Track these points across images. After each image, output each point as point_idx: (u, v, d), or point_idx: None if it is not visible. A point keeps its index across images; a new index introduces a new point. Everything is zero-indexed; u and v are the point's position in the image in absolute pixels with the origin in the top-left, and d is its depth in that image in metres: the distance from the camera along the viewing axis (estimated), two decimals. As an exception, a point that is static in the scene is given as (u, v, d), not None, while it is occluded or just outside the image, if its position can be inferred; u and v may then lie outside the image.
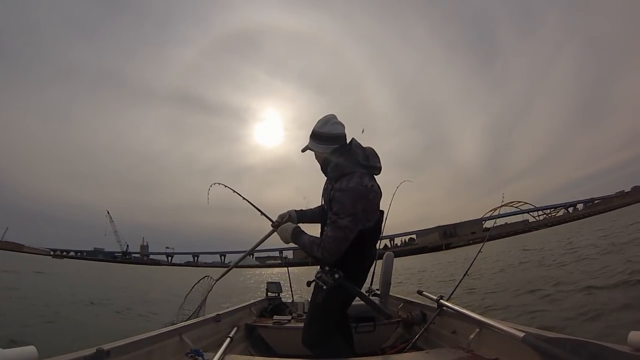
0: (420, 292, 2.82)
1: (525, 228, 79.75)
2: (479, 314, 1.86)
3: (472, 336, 1.87)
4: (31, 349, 1.12)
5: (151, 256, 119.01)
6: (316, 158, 2.03)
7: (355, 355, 2.11)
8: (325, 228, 1.82)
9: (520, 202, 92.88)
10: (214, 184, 2.87)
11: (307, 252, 1.95)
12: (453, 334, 2.18)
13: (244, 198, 2.78)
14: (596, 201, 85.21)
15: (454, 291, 2.75)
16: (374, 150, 2.02)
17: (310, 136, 1.98)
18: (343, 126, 1.98)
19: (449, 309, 2.20)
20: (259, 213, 2.55)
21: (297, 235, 1.97)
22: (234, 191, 2.85)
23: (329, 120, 1.96)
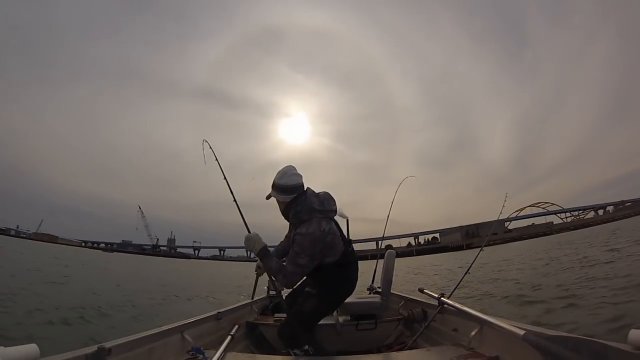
0: (421, 290, 2.85)
1: (547, 230, 78.86)
2: (480, 311, 1.89)
3: (473, 334, 1.89)
4: (33, 347, 1.12)
5: (178, 249, 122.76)
6: (278, 205, 2.22)
7: (357, 352, 2.18)
8: (286, 261, 2.05)
9: (547, 203, 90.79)
10: (205, 141, 2.66)
11: (269, 274, 2.24)
12: (454, 331, 2.21)
13: (221, 169, 2.61)
14: (627, 204, 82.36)
15: (455, 289, 2.80)
16: (329, 194, 2.22)
17: (272, 186, 2.16)
18: (300, 176, 2.17)
19: (450, 307, 2.24)
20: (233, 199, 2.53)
21: (265, 256, 2.11)
22: (216, 159, 2.64)
23: (286, 173, 2.15)
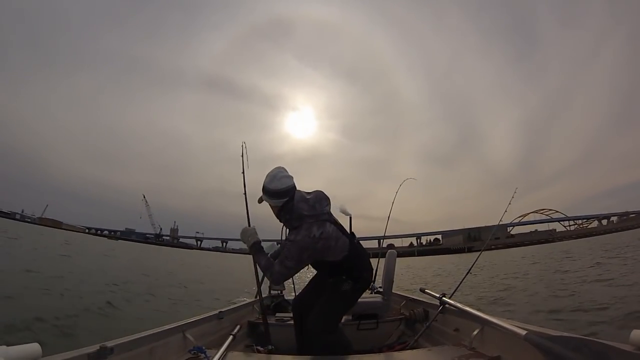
0: (422, 290, 2.84)
1: (549, 238, 78.87)
2: (482, 311, 1.88)
3: (474, 334, 1.89)
4: (35, 347, 1.11)
5: (181, 239, 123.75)
6: (271, 209, 2.15)
7: (358, 352, 2.16)
8: (276, 261, 2.05)
9: (550, 210, 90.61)
10: (243, 143, 2.70)
11: (259, 268, 2.22)
12: (455, 331, 2.20)
13: (243, 166, 2.70)
14: (631, 215, 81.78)
15: (456, 289, 2.82)
16: (321, 194, 2.12)
17: (262, 189, 2.10)
18: (291, 178, 2.07)
19: (452, 307, 2.23)
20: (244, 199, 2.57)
21: (257, 251, 2.14)
22: (242, 155, 2.71)
23: (276, 176, 2.05)
